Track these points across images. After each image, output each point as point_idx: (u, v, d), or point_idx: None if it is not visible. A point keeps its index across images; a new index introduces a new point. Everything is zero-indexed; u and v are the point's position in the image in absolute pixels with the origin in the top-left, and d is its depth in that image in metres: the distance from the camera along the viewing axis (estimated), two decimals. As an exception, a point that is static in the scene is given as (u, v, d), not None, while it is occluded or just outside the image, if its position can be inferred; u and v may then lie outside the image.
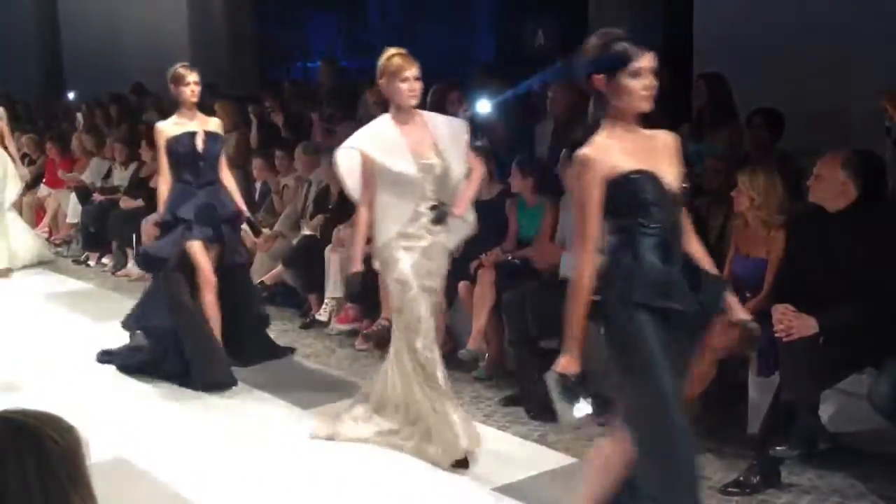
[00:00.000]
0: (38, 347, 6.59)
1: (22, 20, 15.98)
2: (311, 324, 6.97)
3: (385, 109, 4.52)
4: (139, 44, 12.49)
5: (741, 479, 4.09)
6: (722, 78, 5.87)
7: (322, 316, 6.87)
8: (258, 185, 8.35)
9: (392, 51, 4.40)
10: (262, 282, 7.34)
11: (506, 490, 4.15)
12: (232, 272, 5.98)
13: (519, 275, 5.59)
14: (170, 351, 5.74)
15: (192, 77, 5.72)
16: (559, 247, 5.51)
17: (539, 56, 9.07)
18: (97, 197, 9.64)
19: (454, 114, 6.54)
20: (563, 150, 5.54)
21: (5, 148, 9.14)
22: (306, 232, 7.27)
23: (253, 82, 11.50)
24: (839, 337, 3.99)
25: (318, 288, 7.00)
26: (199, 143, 5.81)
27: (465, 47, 11.78)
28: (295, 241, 7.27)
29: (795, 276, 4.24)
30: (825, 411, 4.10)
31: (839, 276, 4.03)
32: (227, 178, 6.05)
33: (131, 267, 8.83)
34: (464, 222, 4.54)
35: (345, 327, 6.65)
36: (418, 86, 4.35)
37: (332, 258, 6.81)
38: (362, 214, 4.41)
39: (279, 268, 7.29)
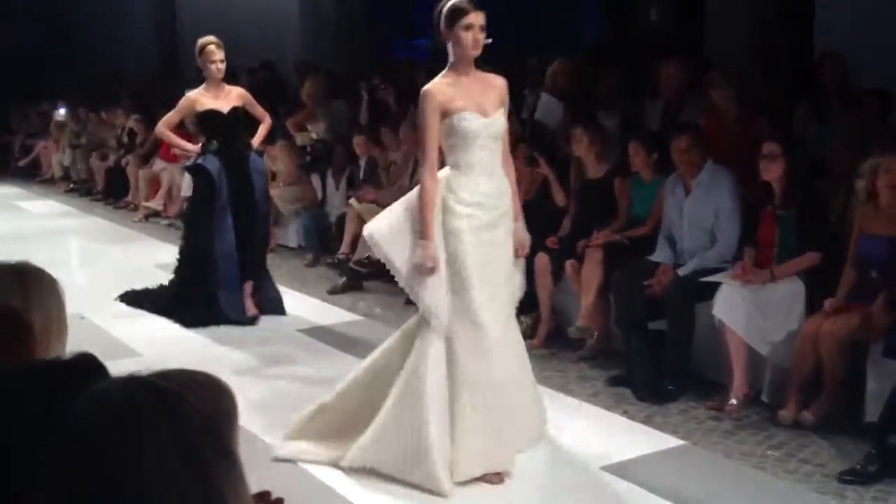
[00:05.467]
0: (146, 316, 6.77)
1: (138, 2, 16.48)
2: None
3: None
4: (251, 25, 12.75)
5: (858, 467, 3.98)
6: (843, 57, 5.66)
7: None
8: (362, 161, 8.46)
9: None
10: (368, 257, 7.43)
11: (614, 469, 4.12)
12: None
13: (628, 254, 5.52)
14: None
15: None
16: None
17: (653, 33, 8.88)
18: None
19: None
20: (674, 128, 5.47)
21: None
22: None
23: (360, 61, 11.61)
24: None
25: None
26: None
27: (576, 24, 11.58)
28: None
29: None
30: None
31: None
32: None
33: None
34: None
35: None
36: None
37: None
38: None
39: (385, 243, 7.35)
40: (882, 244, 4.45)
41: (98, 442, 1.06)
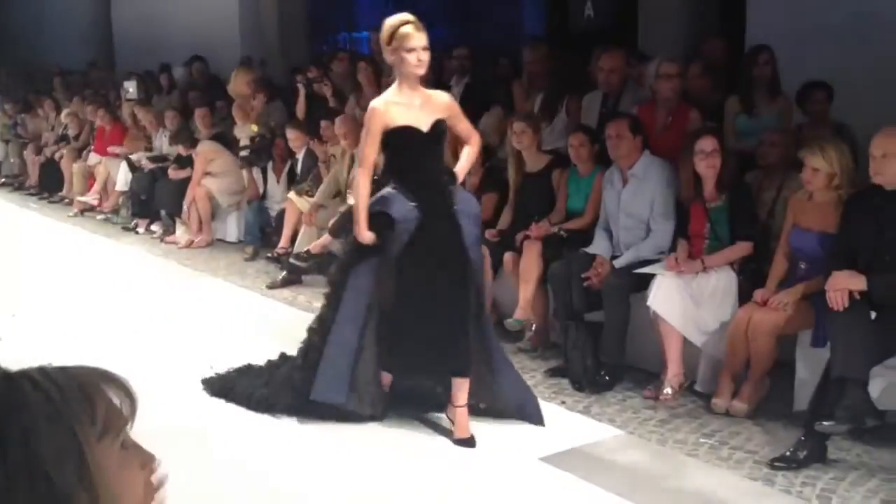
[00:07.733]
0: (86, 311, 6.64)
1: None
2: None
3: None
4: (188, 18, 12.53)
5: (788, 453, 4.07)
6: (772, 51, 5.79)
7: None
8: (300, 155, 8.36)
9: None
10: (307, 251, 7.40)
11: (551, 460, 4.16)
12: None
13: (566, 247, 5.57)
14: None
15: None
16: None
17: (588, 29, 8.96)
18: (146, 165, 9.78)
19: None
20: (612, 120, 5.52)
21: None
22: (352, 201, 7.29)
23: (301, 55, 11.50)
24: (890, 313, 3.99)
25: (364, 257, 7.02)
26: None
27: (515, 20, 11.64)
28: (342, 210, 7.31)
29: (848, 252, 4.23)
30: (874, 388, 4.06)
31: (891, 253, 4.09)
32: None
33: (179, 235, 8.99)
34: None
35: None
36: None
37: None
38: None
39: (325, 237, 7.33)
40: (813, 238, 4.56)
41: None
